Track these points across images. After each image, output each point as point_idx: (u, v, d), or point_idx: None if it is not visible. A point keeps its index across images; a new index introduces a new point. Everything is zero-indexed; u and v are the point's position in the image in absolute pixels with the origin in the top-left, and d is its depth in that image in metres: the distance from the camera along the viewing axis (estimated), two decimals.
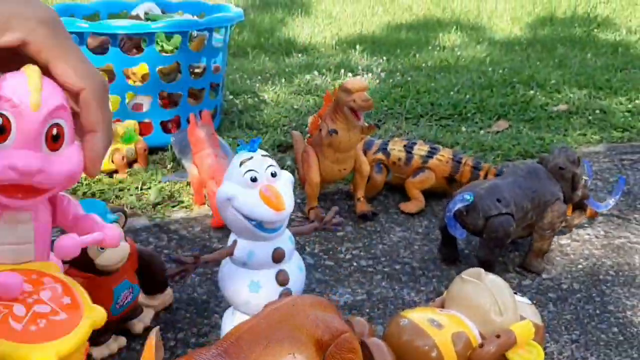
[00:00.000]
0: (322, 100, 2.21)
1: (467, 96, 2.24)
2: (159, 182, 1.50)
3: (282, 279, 0.86)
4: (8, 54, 0.48)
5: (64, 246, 0.53)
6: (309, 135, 1.34)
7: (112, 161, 1.53)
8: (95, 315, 0.53)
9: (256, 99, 2.23)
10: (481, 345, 0.78)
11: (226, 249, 0.87)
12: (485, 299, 0.80)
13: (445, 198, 1.46)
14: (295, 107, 2.15)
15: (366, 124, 1.26)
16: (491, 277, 0.83)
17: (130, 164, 1.58)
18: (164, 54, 1.71)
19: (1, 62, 0.50)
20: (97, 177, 1.54)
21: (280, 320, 0.61)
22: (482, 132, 1.93)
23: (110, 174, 1.55)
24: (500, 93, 2.30)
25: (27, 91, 0.48)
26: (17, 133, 0.48)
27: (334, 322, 0.64)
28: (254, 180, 0.82)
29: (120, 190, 1.46)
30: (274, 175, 0.83)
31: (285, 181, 0.85)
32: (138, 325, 0.95)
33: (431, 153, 1.40)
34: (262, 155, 0.84)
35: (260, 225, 0.82)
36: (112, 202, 1.41)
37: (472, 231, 1.10)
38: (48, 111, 0.48)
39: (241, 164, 0.83)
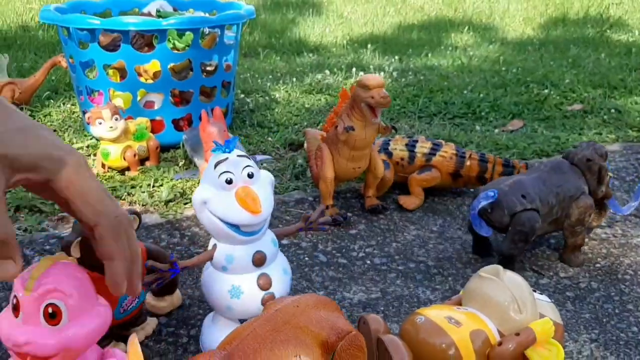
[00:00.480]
0: (334, 99, 2.20)
1: (481, 95, 2.21)
2: (171, 179, 1.49)
3: (263, 283, 0.83)
4: (42, 185, 0.55)
5: None
6: (323, 133, 1.33)
7: (124, 158, 1.52)
8: None
9: (267, 98, 2.22)
10: (500, 344, 0.76)
11: (206, 253, 0.84)
12: (504, 296, 0.79)
13: (460, 196, 1.44)
14: (306, 105, 2.13)
15: (383, 124, 1.24)
16: (510, 274, 0.81)
17: (142, 161, 1.58)
18: (175, 51, 1.70)
19: (37, 189, 0.57)
20: (109, 174, 1.53)
21: (284, 322, 0.59)
22: (496, 130, 1.91)
23: (122, 171, 1.54)
24: (514, 92, 2.27)
25: (27, 278, 0.60)
26: (23, 312, 0.60)
27: (339, 323, 0.62)
28: (229, 182, 0.78)
29: (132, 187, 1.45)
30: (250, 176, 0.80)
31: (263, 182, 0.82)
32: (140, 334, 0.92)
33: (434, 150, 1.38)
34: (238, 156, 0.80)
35: (237, 228, 0.79)
36: (124, 200, 1.40)
37: (498, 228, 1.09)
38: (38, 294, 0.59)
39: (216, 165, 0.79)
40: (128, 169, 1.55)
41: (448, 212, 1.37)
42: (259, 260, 0.83)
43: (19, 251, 0.54)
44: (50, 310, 0.60)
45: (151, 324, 0.95)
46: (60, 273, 0.62)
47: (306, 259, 1.17)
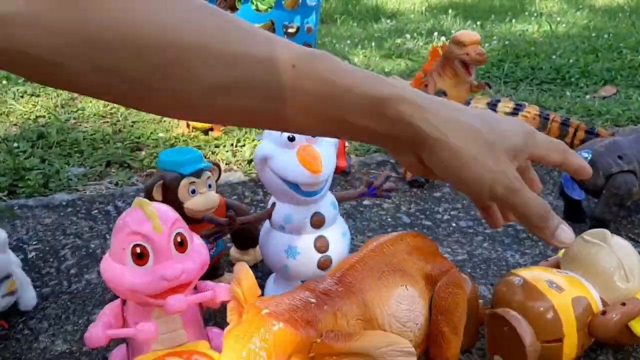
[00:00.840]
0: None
1: (570, 61, 2.11)
2: (253, 139, 1.50)
3: (320, 246, 0.81)
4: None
5: (171, 304, 0.63)
6: None
7: None
8: None
9: (346, 62, 2.19)
10: (604, 312, 0.71)
11: (264, 211, 0.83)
12: (610, 262, 0.74)
13: None
14: (386, 70, 2.10)
15: (475, 82, 1.20)
16: (617, 239, 0.76)
17: None
18: (258, 12, 1.70)
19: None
20: (193, 134, 1.56)
21: (392, 253, 0.61)
22: (587, 97, 1.81)
23: (206, 132, 1.57)
24: (606, 58, 2.15)
25: (146, 221, 0.62)
26: (154, 254, 0.62)
27: (441, 259, 0.64)
28: (291, 139, 0.76)
29: (216, 147, 1.47)
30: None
31: (326, 142, 0.79)
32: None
33: (516, 110, 1.33)
34: None
35: (297, 187, 0.77)
36: (209, 158, 1.42)
37: (591, 191, 1.03)
38: (168, 228, 0.63)
39: None
40: (211, 129, 1.57)
41: (538, 176, 1.31)
42: (317, 222, 0.81)
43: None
44: (179, 239, 0.65)
45: (229, 278, 0.95)
46: (163, 207, 0.66)
47: (389, 219, 1.15)
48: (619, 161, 1.00)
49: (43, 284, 0.94)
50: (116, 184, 1.30)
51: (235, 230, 0.93)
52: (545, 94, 1.85)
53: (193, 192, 0.82)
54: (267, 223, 0.85)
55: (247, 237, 0.98)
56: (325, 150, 0.79)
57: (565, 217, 1.13)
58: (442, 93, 1.17)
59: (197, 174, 0.82)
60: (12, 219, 1.12)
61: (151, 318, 0.65)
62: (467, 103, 1.36)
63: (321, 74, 0.47)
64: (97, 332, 0.62)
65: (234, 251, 1.00)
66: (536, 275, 0.75)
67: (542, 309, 0.70)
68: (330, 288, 0.55)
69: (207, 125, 1.55)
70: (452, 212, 1.17)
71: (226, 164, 1.39)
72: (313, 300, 0.53)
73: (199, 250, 0.67)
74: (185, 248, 0.65)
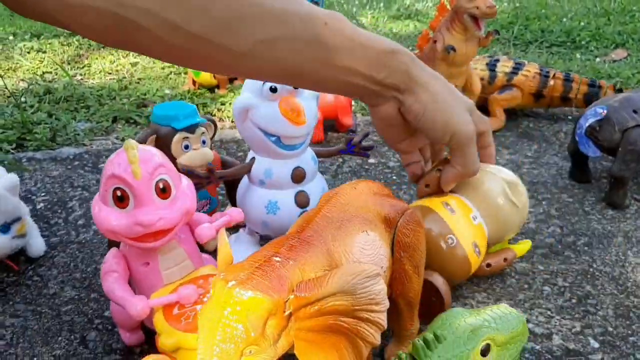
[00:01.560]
0: (423, 25, 2.13)
1: (582, 24, 2.08)
2: None
3: (301, 201, 0.79)
4: None
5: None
6: (417, 50, 1.28)
7: (214, 77, 1.54)
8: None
9: (354, 23, 2.17)
10: (488, 265, 0.79)
11: (243, 165, 0.80)
12: (495, 185, 0.77)
13: (557, 122, 1.38)
14: (394, 31, 2.07)
15: (483, 34, 1.19)
16: (505, 170, 0.81)
17: (231, 80, 1.59)
18: None
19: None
20: (199, 91, 1.56)
21: (347, 202, 0.61)
22: (598, 60, 1.79)
23: (212, 89, 1.57)
24: (618, 21, 2.12)
25: (127, 165, 0.60)
26: (134, 198, 0.61)
27: (396, 202, 0.64)
28: (273, 90, 0.74)
29: (222, 104, 1.47)
30: (296, 87, 0.75)
31: (308, 94, 0.77)
32: (211, 244, 0.87)
33: (516, 69, 1.32)
34: None
35: (278, 140, 0.76)
36: (214, 115, 1.42)
37: (607, 149, 1.03)
38: (148, 173, 0.61)
39: None
40: (218, 87, 1.56)
41: (544, 138, 1.31)
42: (298, 176, 0.79)
43: None
44: (161, 185, 0.63)
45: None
46: (151, 151, 0.65)
47: (394, 177, 1.15)
48: (635, 115, 1.00)
49: (52, 234, 0.95)
50: (122, 140, 1.31)
51: (231, 189, 0.92)
52: (555, 56, 1.83)
53: (186, 147, 0.81)
54: (245, 179, 0.83)
55: (200, 190, 0.95)
56: (307, 103, 0.77)
57: (571, 177, 1.13)
58: (451, 49, 1.16)
59: (191, 129, 0.80)
60: (20, 171, 1.13)
61: (158, 255, 0.66)
62: (494, 65, 1.35)
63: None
64: (143, 306, 0.61)
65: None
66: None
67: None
68: (293, 244, 0.54)
69: (213, 82, 1.55)
70: None
71: (232, 121, 1.39)
72: (277, 259, 0.52)
73: (184, 197, 0.65)
74: (168, 194, 0.63)
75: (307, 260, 0.53)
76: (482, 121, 0.68)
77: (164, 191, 0.63)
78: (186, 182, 0.67)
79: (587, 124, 1.01)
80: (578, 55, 1.83)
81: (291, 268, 0.51)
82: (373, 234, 0.60)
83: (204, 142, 0.82)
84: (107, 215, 0.62)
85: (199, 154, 0.82)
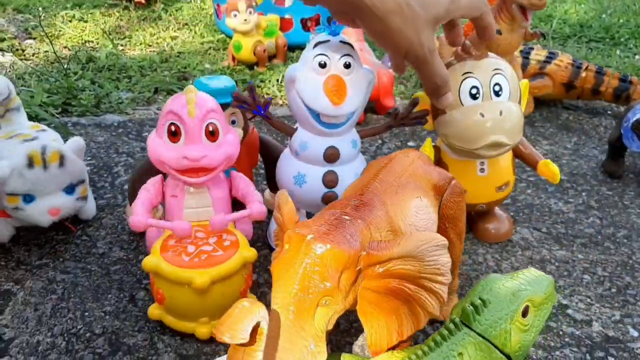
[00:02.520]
0: None
1: (621, 21, 2.06)
2: None
3: (329, 180, 0.78)
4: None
5: (215, 223, 0.70)
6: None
7: (254, 53, 1.55)
8: (247, 253, 0.69)
9: None
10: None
11: (290, 127, 0.80)
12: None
13: (597, 116, 1.37)
14: None
15: (530, 30, 1.19)
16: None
17: (270, 58, 1.60)
18: None
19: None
20: (239, 67, 1.57)
21: (401, 169, 0.64)
22: (637, 57, 1.78)
23: (251, 66, 1.58)
24: None
25: (184, 105, 0.68)
26: (185, 135, 0.68)
27: (443, 171, 0.67)
28: (322, 66, 0.73)
29: (262, 81, 1.48)
30: (347, 66, 0.73)
31: (360, 76, 0.75)
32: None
33: (549, 58, 1.33)
34: (341, 42, 0.74)
35: (317, 116, 0.74)
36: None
37: None
38: (202, 115, 0.68)
39: (315, 45, 0.74)
40: (257, 64, 1.58)
41: (583, 131, 1.31)
42: (331, 155, 0.77)
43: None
44: (211, 128, 0.70)
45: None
46: (208, 97, 0.71)
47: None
48: None
49: (99, 197, 0.97)
50: None
51: (269, 168, 0.91)
52: (594, 52, 1.82)
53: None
54: (287, 148, 0.83)
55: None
56: (356, 84, 0.75)
57: (603, 167, 1.13)
58: (497, 31, 1.16)
59: (222, 108, 0.78)
60: (66, 136, 1.15)
61: (185, 192, 0.73)
62: (527, 53, 1.35)
63: None
64: (140, 220, 0.68)
65: (267, 194, 0.98)
66: None
67: None
68: (358, 205, 0.57)
69: (252, 59, 1.56)
70: None
71: (272, 97, 1.40)
72: (347, 217, 0.54)
73: (229, 143, 0.71)
74: (215, 138, 0.70)
75: (372, 220, 0.56)
76: (473, 7, 0.67)
77: (212, 134, 0.70)
78: (232, 135, 0.73)
79: (634, 118, 1.01)
80: (617, 52, 1.81)
81: (360, 226, 0.54)
82: (425, 200, 0.63)
83: (233, 122, 0.82)
84: (159, 147, 0.70)
85: None
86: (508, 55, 1.22)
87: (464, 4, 0.66)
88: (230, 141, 0.72)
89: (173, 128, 0.69)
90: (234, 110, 0.82)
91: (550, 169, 0.84)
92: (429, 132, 1.23)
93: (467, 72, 0.77)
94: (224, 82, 0.82)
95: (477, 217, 0.91)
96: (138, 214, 0.69)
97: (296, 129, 0.80)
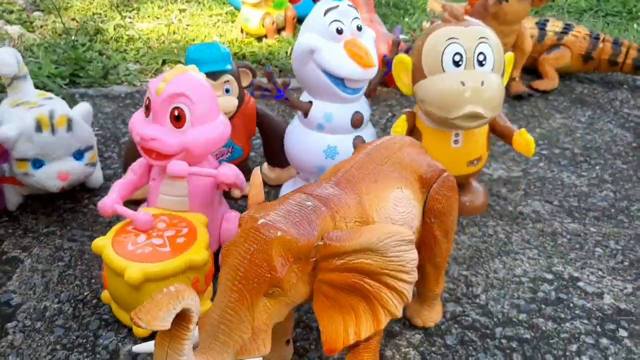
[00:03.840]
0: None
1: None
2: None
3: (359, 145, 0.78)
4: None
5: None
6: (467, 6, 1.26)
7: (263, 26, 1.53)
8: (196, 256, 0.62)
9: None
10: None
11: (305, 103, 0.78)
12: None
13: (612, 90, 1.35)
14: None
15: None
16: None
17: (278, 30, 1.58)
18: None
19: None
20: (247, 40, 1.55)
21: (386, 156, 0.59)
22: None
23: (260, 38, 1.56)
24: None
25: (159, 81, 0.64)
26: (152, 112, 0.64)
27: (433, 162, 0.62)
28: (339, 32, 0.72)
29: (270, 53, 1.47)
30: (359, 28, 0.73)
31: (369, 37, 0.75)
32: (235, 192, 0.88)
33: (566, 29, 1.31)
34: (349, 5, 0.73)
35: (342, 83, 0.74)
36: (263, 64, 1.42)
37: None
38: (167, 96, 0.63)
39: (326, 12, 0.72)
40: (265, 36, 1.56)
41: (598, 105, 1.28)
42: (357, 121, 0.78)
43: None
44: (176, 113, 0.65)
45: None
46: (190, 81, 0.66)
47: None
48: None
49: (105, 166, 0.97)
50: None
51: (266, 141, 0.91)
52: (610, 25, 1.78)
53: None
54: (296, 123, 0.81)
55: (274, 152, 0.92)
56: (370, 44, 0.75)
57: None
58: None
59: (214, 75, 0.78)
60: (73, 106, 1.14)
61: (163, 177, 0.69)
62: (544, 25, 1.34)
63: None
64: (107, 204, 0.67)
65: (266, 168, 0.96)
66: None
67: None
68: (327, 191, 0.53)
69: (261, 32, 1.54)
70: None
71: (280, 70, 1.39)
72: (309, 203, 0.51)
73: (196, 136, 0.66)
74: (180, 124, 0.65)
75: (339, 210, 0.52)
76: None
77: (177, 119, 0.65)
78: (211, 128, 0.67)
79: None
80: (635, 26, 1.77)
81: (323, 215, 0.50)
82: (407, 192, 0.58)
83: (227, 90, 0.80)
84: (135, 117, 0.69)
85: (223, 102, 0.78)
86: (516, 24, 1.19)
87: None
88: (201, 135, 0.66)
89: (147, 102, 0.66)
90: (228, 77, 0.79)
91: (525, 138, 0.81)
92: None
93: (452, 38, 0.74)
94: (217, 49, 0.80)
95: None
96: (108, 198, 0.66)
97: (310, 103, 0.78)
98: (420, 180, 0.60)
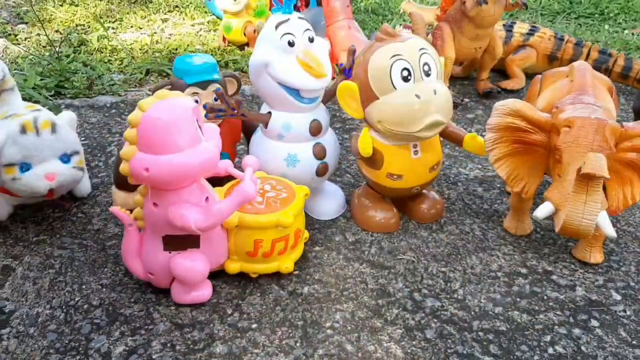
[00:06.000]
0: None
1: None
2: None
3: (319, 152, 0.81)
4: None
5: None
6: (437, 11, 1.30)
7: (244, 34, 1.56)
8: (283, 218, 0.72)
9: None
10: None
11: (264, 115, 0.80)
12: None
13: None
14: None
15: (511, 0, 1.20)
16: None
17: None
18: None
19: None
20: (229, 48, 1.58)
21: (592, 73, 0.82)
22: (626, 32, 1.79)
23: (242, 46, 1.58)
24: None
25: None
26: None
27: None
28: (291, 44, 0.75)
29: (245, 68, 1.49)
30: (311, 40, 0.76)
31: (321, 47, 0.78)
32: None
33: (532, 31, 1.37)
34: (299, 18, 0.76)
35: (297, 94, 0.76)
36: (245, 71, 1.44)
37: None
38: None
39: (277, 26, 0.75)
40: (247, 44, 1.58)
41: None
42: (315, 128, 0.80)
43: None
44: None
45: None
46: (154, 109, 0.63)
47: None
48: None
49: (93, 175, 0.99)
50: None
51: (247, 136, 0.91)
52: (582, 27, 1.83)
53: (195, 102, 0.78)
54: (259, 133, 0.83)
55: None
56: (323, 54, 0.77)
57: None
58: (483, 2, 1.17)
59: (203, 85, 0.80)
60: None
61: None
62: (510, 27, 1.38)
63: None
64: (250, 184, 0.68)
65: None
66: None
67: None
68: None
69: (243, 40, 1.57)
70: (483, 133, 1.19)
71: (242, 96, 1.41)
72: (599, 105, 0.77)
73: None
74: None
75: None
76: None
77: None
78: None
79: None
80: (606, 27, 1.83)
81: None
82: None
83: (216, 99, 0.82)
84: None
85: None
86: (491, 27, 1.23)
87: None
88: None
89: None
90: (216, 87, 0.82)
91: (477, 142, 0.84)
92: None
93: (396, 55, 0.76)
94: (205, 59, 0.82)
95: (409, 199, 0.90)
96: (247, 184, 0.68)
97: (269, 114, 0.81)
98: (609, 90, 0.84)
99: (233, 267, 0.75)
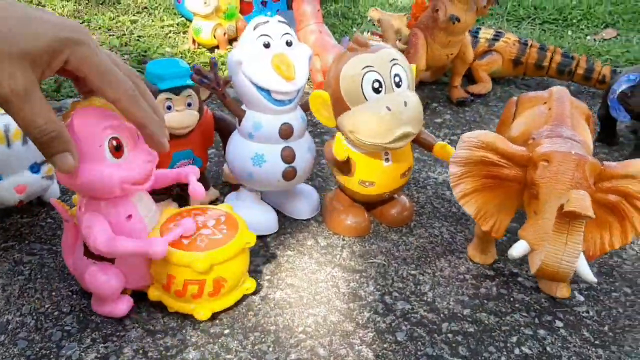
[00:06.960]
0: None
1: (574, 2, 2.12)
2: None
3: (287, 156, 0.82)
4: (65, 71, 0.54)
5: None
6: (409, 18, 1.31)
7: (214, 36, 1.56)
8: (247, 237, 0.71)
9: None
10: None
11: (241, 109, 0.82)
12: None
13: None
14: (390, 1, 2.10)
15: (482, 3, 1.22)
16: None
17: (230, 41, 1.61)
18: None
19: (66, 74, 0.56)
20: (199, 50, 1.57)
21: (570, 101, 0.80)
22: (588, 38, 1.84)
23: (212, 49, 1.58)
24: (609, 1, 2.16)
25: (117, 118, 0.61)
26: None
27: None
28: (266, 46, 0.77)
29: (222, 64, 1.49)
30: (289, 44, 0.78)
31: (301, 52, 0.80)
32: (194, 202, 0.86)
33: (497, 36, 1.41)
34: (279, 22, 0.78)
35: (268, 94, 0.78)
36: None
37: (637, 114, 1.10)
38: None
39: (255, 27, 0.77)
40: (217, 47, 1.58)
41: None
42: (285, 132, 0.81)
43: (73, 143, 0.55)
44: (114, 143, 0.61)
45: (213, 193, 0.95)
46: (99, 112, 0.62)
47: None
48: None
49: None
50: None
51: (222, 136, 0.91)
52: (547, 33, 1.88)
53: (169, 108, 0.80)
54: (236, 132, 0.85)
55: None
56: (299, 60, 0.79)
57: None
58: (455, 19, 1.19)
59: (176, 90, 0.80)
60: None
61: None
62: (476, 32, 1.41)
63: None
64: (162, 243, 0.66)
65: (227, 169, 0.99)
66: None
67: None
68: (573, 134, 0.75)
69: (213, 42, 1.57)
70: (452, 137, 1.22)
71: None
72: (578, 139, 0.73)
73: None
74: (120, 154, 0.62)
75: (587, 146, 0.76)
76: (82, 61, 0.52)
77: (117, 149, 0.62)
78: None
79: (619, 90, 1.08)
80: (569, 33, 1.87)
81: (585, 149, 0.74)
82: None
83: (189, 104, 0.82)
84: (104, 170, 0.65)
85: (181, 116, 0.81)
86: (462, 35, 1.25)
87: (88, 60, 0.52)
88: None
89: (115, 143, 0.61)
90: (189, 92, 0.82)
91: (447, 151, 0.86)
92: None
93: (367, 66, 0.77)
94: (178, 64, 0.82)
95: (379, 203, 0.91)
96: (156, 241, 0.66)
97: (245, 112, 0.82)
98: (587, 119, 0.81)
99: (153, 294, 0.71)
